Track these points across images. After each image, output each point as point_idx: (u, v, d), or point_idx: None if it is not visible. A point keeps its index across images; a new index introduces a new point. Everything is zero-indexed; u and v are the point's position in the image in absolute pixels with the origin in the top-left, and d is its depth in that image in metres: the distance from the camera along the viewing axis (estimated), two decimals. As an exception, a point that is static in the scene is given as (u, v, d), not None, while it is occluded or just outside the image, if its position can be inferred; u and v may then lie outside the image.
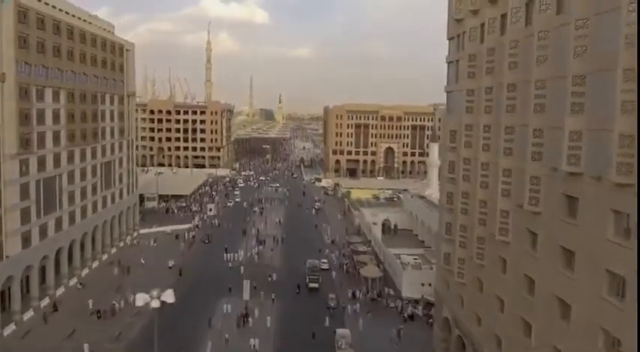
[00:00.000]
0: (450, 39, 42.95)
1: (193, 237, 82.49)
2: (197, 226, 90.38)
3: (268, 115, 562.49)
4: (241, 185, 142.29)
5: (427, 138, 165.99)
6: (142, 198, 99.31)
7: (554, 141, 25.04)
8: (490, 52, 33.23)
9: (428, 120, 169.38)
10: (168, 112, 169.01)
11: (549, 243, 25.71)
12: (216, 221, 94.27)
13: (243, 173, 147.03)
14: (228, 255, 72.95)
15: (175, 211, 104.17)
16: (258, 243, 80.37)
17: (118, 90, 73.81)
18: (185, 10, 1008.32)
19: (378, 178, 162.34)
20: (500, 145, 30.78)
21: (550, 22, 25.78)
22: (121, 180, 76.26)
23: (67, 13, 61.65)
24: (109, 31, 75.67)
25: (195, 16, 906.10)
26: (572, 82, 23.09)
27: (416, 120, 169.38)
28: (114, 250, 73.92)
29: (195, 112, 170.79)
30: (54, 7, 57.96)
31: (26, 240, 50.74)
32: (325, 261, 70.65)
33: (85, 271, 64.45)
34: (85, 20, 67.31)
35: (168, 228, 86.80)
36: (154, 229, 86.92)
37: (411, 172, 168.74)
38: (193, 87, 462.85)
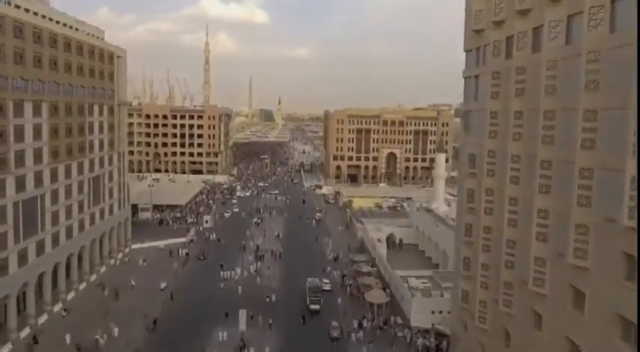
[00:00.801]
0: (467, 51, 38.74)
1: (187, 254, 78.11)
2: (192, 241, 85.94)
3: (268, 116, 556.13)
4: (239, 193, 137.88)
5: (430, 143, 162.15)
6: (135, 208, 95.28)
7: (609, 185, 20.86)
8: (520, 71, 28.91)
9: (431, 125, 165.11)
10: (165, 117, 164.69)
11: (600, 307, 21.50)
12: (213, 235, 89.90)
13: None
14: (225, 273, 68.96)
15: (170, 222, 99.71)
16: (256, 259, 76.27)
17: (107, 100, 69.54)
18: (185, 11, 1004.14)
19: (380, 185, 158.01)
20: (534, 181, 26.49)
21: (602, 42, 21.55)
22: (111, 195, 72.03)
23: (50, 19, 57.49)
24: (98, 37, 71.49)
25: (194, 16, 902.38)
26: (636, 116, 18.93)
27: (419, 125, 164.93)
28: (103, 269, 69.73)
29: (192, 117, 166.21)
30: (35, 13, 53.89)
31: (2, 269, 46.52)
32: (327, 281, 66.51)
33: (71, 295, 60.23)
34: (71, 26, 63.16)
35: (161, 243, 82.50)
36: (146, 244, 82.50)
37: (413, 178, 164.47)
38: (192, 87, 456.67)
